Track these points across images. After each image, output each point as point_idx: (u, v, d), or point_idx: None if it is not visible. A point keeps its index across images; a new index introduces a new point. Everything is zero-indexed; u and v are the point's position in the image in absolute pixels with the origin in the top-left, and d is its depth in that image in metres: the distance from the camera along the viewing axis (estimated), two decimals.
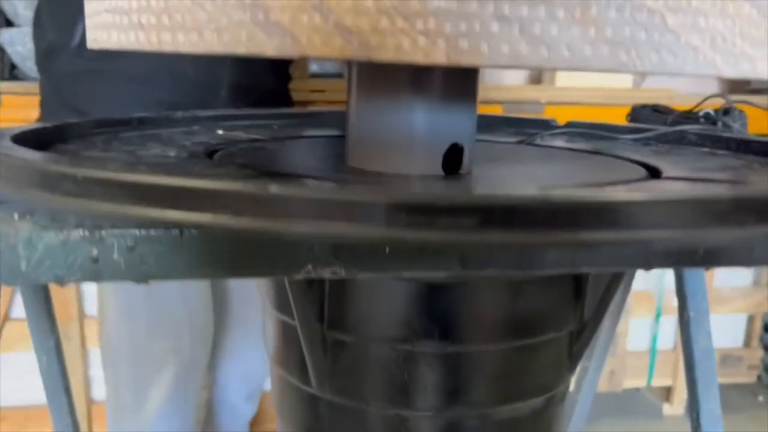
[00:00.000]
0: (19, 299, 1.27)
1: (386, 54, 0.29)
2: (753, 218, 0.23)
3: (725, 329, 1.69)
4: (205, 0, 0.30)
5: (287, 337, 0.47)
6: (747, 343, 1.72)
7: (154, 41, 0.32)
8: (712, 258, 0.32)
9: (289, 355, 0.47)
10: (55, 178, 0.27)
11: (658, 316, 1.64)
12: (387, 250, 0.29)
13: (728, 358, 1.68)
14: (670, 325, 1.66)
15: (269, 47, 0.30)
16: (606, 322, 0.94)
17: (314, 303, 0.43)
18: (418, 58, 0.29)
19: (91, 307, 1.36)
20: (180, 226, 0.26)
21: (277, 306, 0.48)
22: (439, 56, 0.29)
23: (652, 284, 1.61)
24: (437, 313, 0.42)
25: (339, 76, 1.51)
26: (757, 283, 1.68)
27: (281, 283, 0.45)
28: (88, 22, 0.39)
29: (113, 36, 0.35)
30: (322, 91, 1.16)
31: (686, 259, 0.31)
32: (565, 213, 0.22)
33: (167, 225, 0.26)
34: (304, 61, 1.27)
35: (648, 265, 0.31)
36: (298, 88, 1.16)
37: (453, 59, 0.29)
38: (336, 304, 0.43)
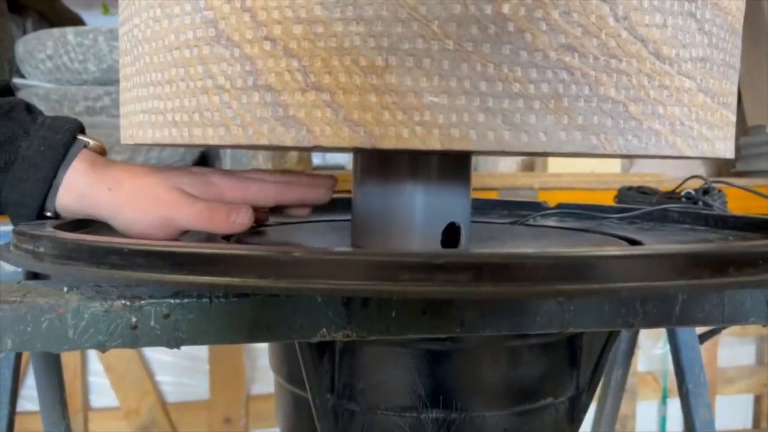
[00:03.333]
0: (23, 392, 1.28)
1: (389, 142, 0.33)
2: (708, 272, 0.27)
3: (732, 410, 1.68)
4: (231, 99, 0.35)
5: (299, 409, 0.49)
6: (756, 424, 1.69)
7: (186, 136, 0.37)
8: (687, 316, 0.35)
9: (301, 426, 0.49)
10: (102, 253, 0.30)
11: (664, 398, 1.63)
12: (394, 313, 0.32)
13: None
14: (679, 407, 1.64)
15: (288, 138, 0.34)
16: (608, 401, 0.95)
17: (325, 374, 0.46)
18: (416, 144, 0.33)
19: (97, 400, 1.36)
20: (213, 288, 0.29)
21: (288, 380, 0.50)
22: (434, 143, 0.33)
23: (657, 365, 1.61)
24: (441, 382, 0.45)
25: (340, 168, 1.58)
26: (761, 362, 1.68)
27: (294, 357, 0.48)
28: (123, 121, 0.44)
29: (148, 133, 0.40)
30: None
31: (663, 318, 0.34)
32: (546, 268, 0.26)
33: (204, 288, 0.29)
34: (307, 153, 1.34)
35: (629, 324, 0.34)
36: None
37: (446, 145, 0.33)
38: (346, 375, 0.46)
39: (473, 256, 0.25)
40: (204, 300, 0.31)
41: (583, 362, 0.48)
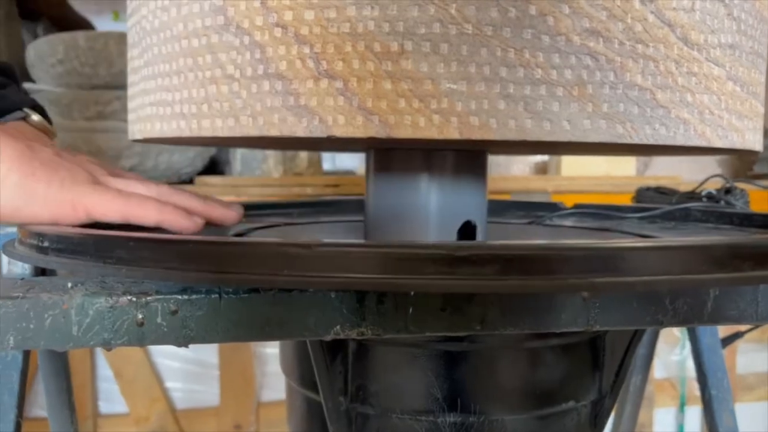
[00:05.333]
0: (31, 399, 1.26)
1: (404, 131, 0.32)
2: (750, 264, 0.25)
3: (751, 418, 1.64)
4: (241, 89, 0.34)
5: (311, 412, 0.47)
6: None
7: (195, 128, 0.36)
8: (720, 313, 0.33)
9: (314, 430, 0.47)
10: (107, 246, 0.29)
11: (682, 405, 1.59)
12: (411, 310, 0.31)
13: None
14: (696, 414, 1.61)
15: (299, 128, 0.33)
16: (627, 408, 0.92)
17: (338, 376, 0.44)
18: (433, 134, 0.32)
19: (106, 406, 1.35)
20: (225, 283, 0.28)
21: (300, 383, 0.49)
22: (452, 132, 0.32)
23: (674, 372, 1.58)
24: (459, 384, 0.43)
25: (350, 173, 1.57)
26: None
27: (306, 359, 0.47)
28: (131, 116, 0.43)
29: (156, 126, 0.38)
30: (336, 185, 1.21)
31: (695, 315, 0.33)
32: (576, 260, 0.24)
33: (213, 283, 0.28)
34: (317, 157, 1.33)
35: (658, 322, 0.33)
36: (313, 183, 1.21)
37: (465, 134, 0.32)
38: (359, 377, 0.44)
39: (499, 247, 0.24)
40: (213, 295, 0.30)
41: (606, 364, 0.46)
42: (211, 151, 1.37)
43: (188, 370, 1.36)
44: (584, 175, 1.36)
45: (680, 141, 0.34)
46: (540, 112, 0.32)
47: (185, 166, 1.31)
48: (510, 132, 0.32)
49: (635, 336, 0.46)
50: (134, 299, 0.29)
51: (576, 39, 0.32)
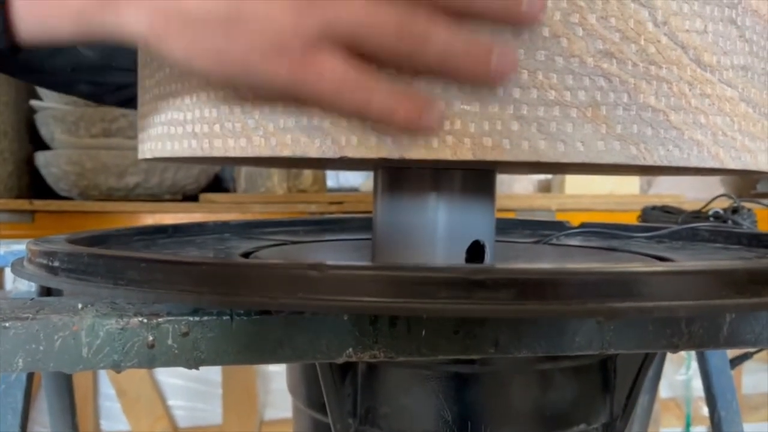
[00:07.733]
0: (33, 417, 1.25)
1: (417, 152, 0.32)
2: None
3: None
4: (253, 109, 0.34)
5: None
6: None
7: (206, 148, 0.36)
8: (736, 337, 0.33)
9: None
10: (119, 268, 0.29)
11: (687, 425, 1.58)
12: (424, 332, 0.30)
13: None
14: None
15: (312, 149, 0.33)
16: (634, 428, 0.91)
17: (347, 398, 0.44)
18: (447, 155, 0.32)
19: (108, 424, 1.34)
20: (236, 306, 0.28)
21: (307, 403, 0.48)
22: (466, 153, 0.32)
23: (680, 391, 1.57)
24: (469, 407, 0.43)
25: (354, 190, 1.57)
26: None
27: (314, 380, 0.46)
28: (141, 135, 0.43)
29: (167, 146, 0.38)
30: (340, 203, 1.21)
31: (710, 339, 0.32)
32: (594, 285, 0.24)
33: (224, 305, 0.28)
34: (321, 174, 1.33)
35: (673, 346, 0.32)
36: (317, 200, 1.21)
37: (478, 155, 0.32)
38: (368, 399, 0.44)
39: (515, 272, 0.24)
40: (225, 317, 0.29)
41: (617, 387, 0.46)
42: (216, 168, 1.37)
43: (191, 387, 1.35)
44: (588, 194, 1.36)
45: (694, 162, 0.34)
46: (553, 133, 0.32)
47: (190, 183, 1.31)
48: (523, 153, 0.32)
49: (647, 358, 0.45)
50: (145, 321, 0.29)
51: (590, 60, 0.32)
